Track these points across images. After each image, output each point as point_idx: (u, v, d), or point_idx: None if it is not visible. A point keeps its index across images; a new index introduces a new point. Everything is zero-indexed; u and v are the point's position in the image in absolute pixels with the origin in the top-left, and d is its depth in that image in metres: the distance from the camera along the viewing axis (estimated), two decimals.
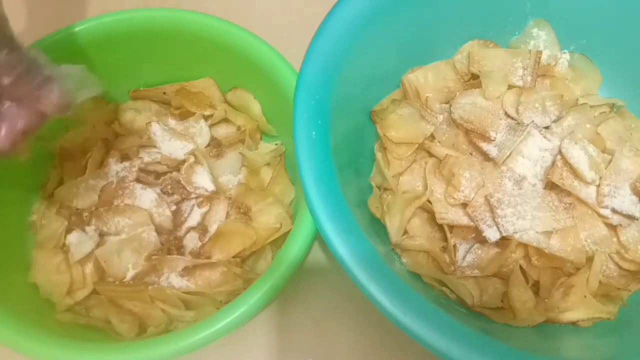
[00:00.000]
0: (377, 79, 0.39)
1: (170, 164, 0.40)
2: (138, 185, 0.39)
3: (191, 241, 0.39)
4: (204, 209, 0.39)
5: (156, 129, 0.41)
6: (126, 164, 0.40)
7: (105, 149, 0.41)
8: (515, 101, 0.38)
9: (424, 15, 0.38)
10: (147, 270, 0.37)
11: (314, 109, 0.33)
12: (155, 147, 0.41)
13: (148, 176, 0.40)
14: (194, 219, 0.39)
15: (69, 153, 0.41)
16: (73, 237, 0.38)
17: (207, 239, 0.39)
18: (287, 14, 0.52)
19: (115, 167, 0.40)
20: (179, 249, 0.38)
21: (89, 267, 0.37)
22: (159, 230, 0.38)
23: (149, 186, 0.39)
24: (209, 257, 0.38)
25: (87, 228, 0.38)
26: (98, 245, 0.37)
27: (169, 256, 0.37)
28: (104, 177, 0.40)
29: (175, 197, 0.39)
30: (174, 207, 0.39)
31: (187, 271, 0.37)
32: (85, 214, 0.38)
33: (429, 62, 0.40)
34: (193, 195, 0.40)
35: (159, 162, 0.40)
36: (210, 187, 0.40)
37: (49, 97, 0.27)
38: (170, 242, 0.38)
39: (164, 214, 0.38)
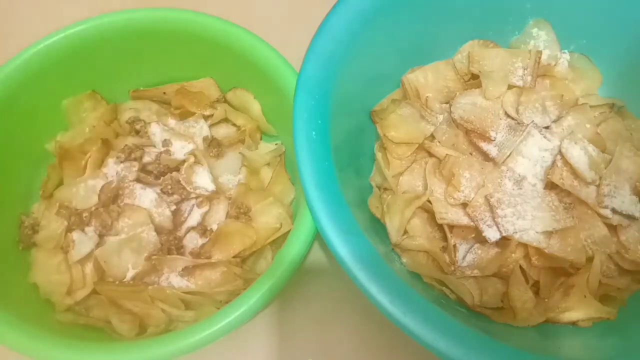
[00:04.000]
0: (377, 79, 0.39)
1: (170, 164, 0.40)
2: (138, 185, 0.39)
3: (191, 241, 0.39)
4: (204, 209, 0.39)
5: (156, 129, 0.41)
6: (126, 164, 0.40)
7: (105, 149, 0.41)
8: (515, 101, 0.38)
9: (424, 15, 0.38)
10: (147, 270, 0.37)
11: (314, 109, 0.33)
12: (155, 147, 0.41)
13: (148, 176, 0.40)
14: (194, 219, 0.39)
15: (69, 153, 0.41)
16: (73, 237, 0.38)
17: (207, 239, 0.39)
18: (287, 14, 0.52)
19: (115, 167, 0.40)
20: (179, 249, 0.38)
21: (89, 267, 0.37)
22: (158, 230, 0.38)
23: (148, 186, 0.39)
24: (209, 257, 0.38)
25: (87, 228, 0.38)
26: (98, 245, 0.37)
27: (169, 256, 0.37)
28: (103, 177, 0.40)
29: (175, 197, 0.39)
30: (173, 207, 0.39)
31: (187, 271, 0.37)
32: (85, 214, 0.38)
33: (429, 62, 0.40)
34: (193, 195, 0.39)
35: (159, 162, 0.40)
36: (210, 187, 0.40)
37: None
38: (170, 242, 0.38)
39: (163, 214, 0.38)
